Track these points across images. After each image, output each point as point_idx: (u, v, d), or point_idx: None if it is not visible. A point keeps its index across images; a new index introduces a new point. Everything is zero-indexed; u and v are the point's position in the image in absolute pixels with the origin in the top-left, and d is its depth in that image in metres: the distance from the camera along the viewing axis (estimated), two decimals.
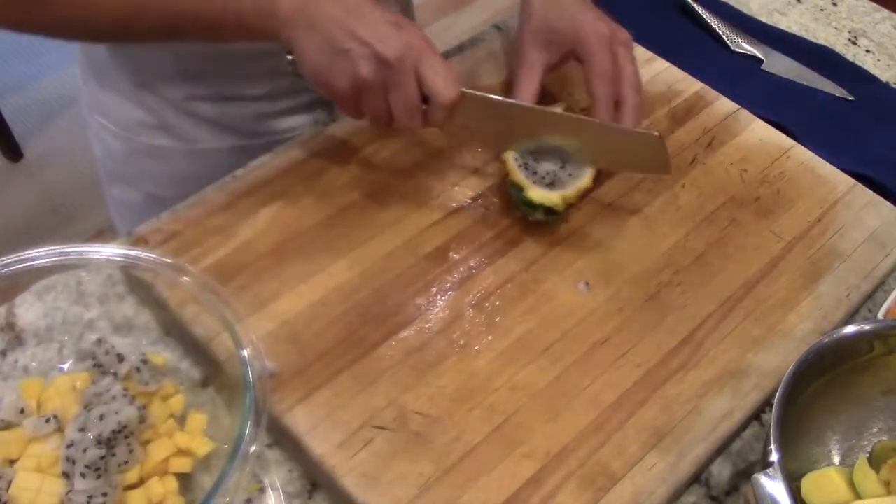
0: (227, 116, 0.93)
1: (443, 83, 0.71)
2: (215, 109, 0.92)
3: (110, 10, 0.73)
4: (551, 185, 0.77)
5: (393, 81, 0.70)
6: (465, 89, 0.73)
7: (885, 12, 1.15)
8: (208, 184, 0.82)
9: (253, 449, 0.59)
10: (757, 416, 0.71)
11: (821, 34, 1.11)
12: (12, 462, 0.62)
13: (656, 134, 0.78)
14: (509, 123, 0.78)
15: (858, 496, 0.62)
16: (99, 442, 0.61)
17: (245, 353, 0.63)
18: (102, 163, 1.03)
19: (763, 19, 1.12)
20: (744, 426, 0.70)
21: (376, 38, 0.69)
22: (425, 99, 0.72)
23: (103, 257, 0.68)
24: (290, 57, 0.73)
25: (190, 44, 0.84)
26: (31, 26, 0.73)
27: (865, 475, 0.64)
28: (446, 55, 0.95)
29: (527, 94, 0.81)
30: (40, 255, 0.67)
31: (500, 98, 0.78)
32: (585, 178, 0.78)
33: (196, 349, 0.71)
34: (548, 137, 0.78)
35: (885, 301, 0.77)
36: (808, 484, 0.62)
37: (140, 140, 0.95)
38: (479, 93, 0.75)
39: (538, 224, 0.78)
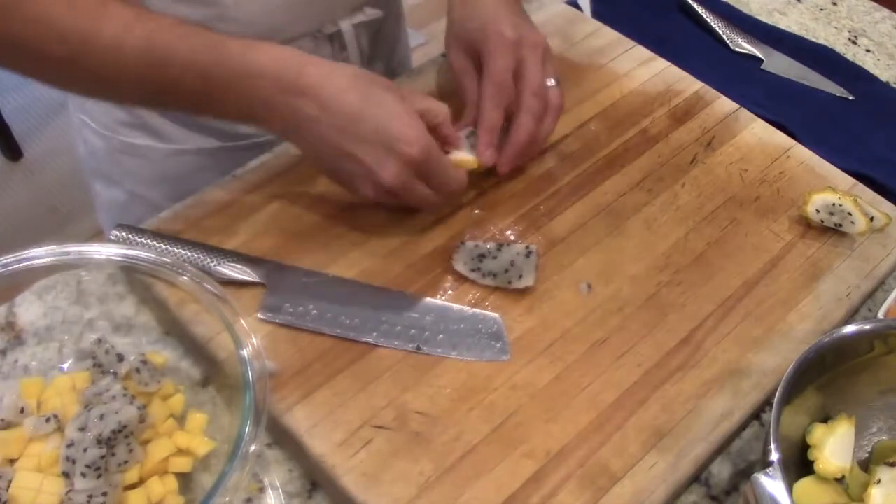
0: (204, 117, 0.91)
1: (449, 191, 0.74)
2: None
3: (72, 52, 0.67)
4: None
5: (399, 196, 0.72)
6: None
7: (885, 12, 1.15)
8: (191, 185, 0.81)
9: (253, 448, 0.59)
10: (757, 415, 0.71)
11: (821, 34, 1.11)
12: (12, 461, 0.62)
13: (496, 316, 0.73)
14: None
15: (851, 500, 0.62)
16: (99, 441, 0.61)
17: (245, 352, 0.63)
18: (86, 161, 1.02)
19: (763, 19, 1.12)
20: (744, 426, 0.70)
21: (374, 162, 0.69)
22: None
23: (103, 257, 0.68)
24: None
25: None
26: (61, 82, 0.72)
27: (858, 478, 0.64)
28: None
29: (474, 97, 0.80)
30: (40, 254, 0.67)
31: None
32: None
33: (196, 349, 0.71)
34: None
35: (885, 300, 0.77)
36: (800, 489, 0.62)
37: (121, 138, 0.94)
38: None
39: (539, 224, 0.79)
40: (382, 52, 1.01)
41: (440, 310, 0.73)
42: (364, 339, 0.70)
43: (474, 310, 0.73)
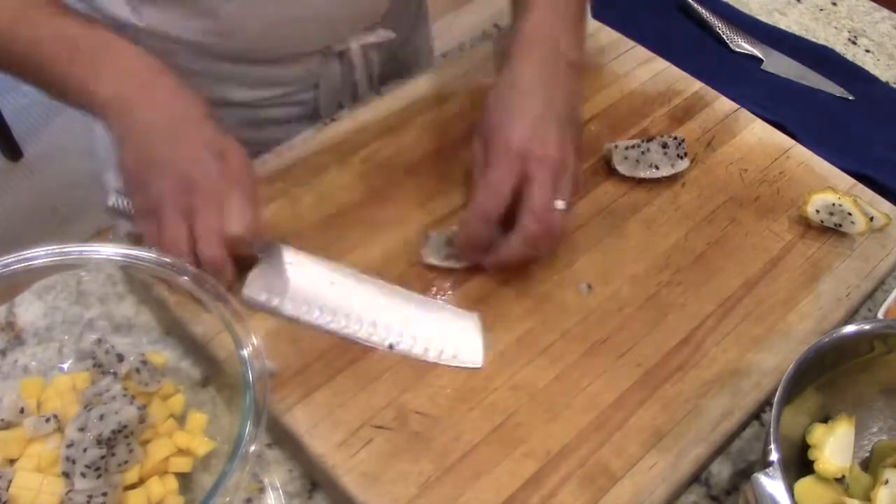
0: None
1: (234, 219, 0.68)
2: None
3: None
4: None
5: (197, 207, 0.68)
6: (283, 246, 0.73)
7: (885, 12, 1.15)
8: None
9: (253, 448, 0.59)
10: (757, 415, 0.71)
11: (820, 34, 1.11)
12: (12, 461, 0.62)
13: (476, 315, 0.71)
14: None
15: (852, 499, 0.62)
16: (99, 442, 0.61)
17: (245, 352, 0.63)
18: (102, 150, 1.02)
19: (763, 19, 1.12)
20: (743, 426, 0.70)
21: (192, 158, 0.68)
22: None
23: (103, 257, 0.68)
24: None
25: (173, 40, 0.83)
26: None
27: (858, 478, 0.64)
28: (446, 55, 0.95)
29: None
30: (40, 254, 0.67)
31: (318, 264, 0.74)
32: None
33: (196, 349, 0.71)
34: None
35: (885, 300, 0.77)
36: (800, 489, 0.62)
37: None
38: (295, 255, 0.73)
39: None
40: (398, 74, 1.00)
41: (419, 304, 0.72)
42: (335, 328, 0.70)
43: (453, 308, 0.72)
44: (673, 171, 0.83)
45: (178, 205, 0.68)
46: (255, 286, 0.71)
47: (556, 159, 0.70)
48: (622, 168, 0.83)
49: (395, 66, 1.01)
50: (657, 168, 0.83)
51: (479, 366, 0.69)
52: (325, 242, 0.76)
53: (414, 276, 0.75)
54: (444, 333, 0.70)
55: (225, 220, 0.68)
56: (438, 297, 0.74)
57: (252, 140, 0.91)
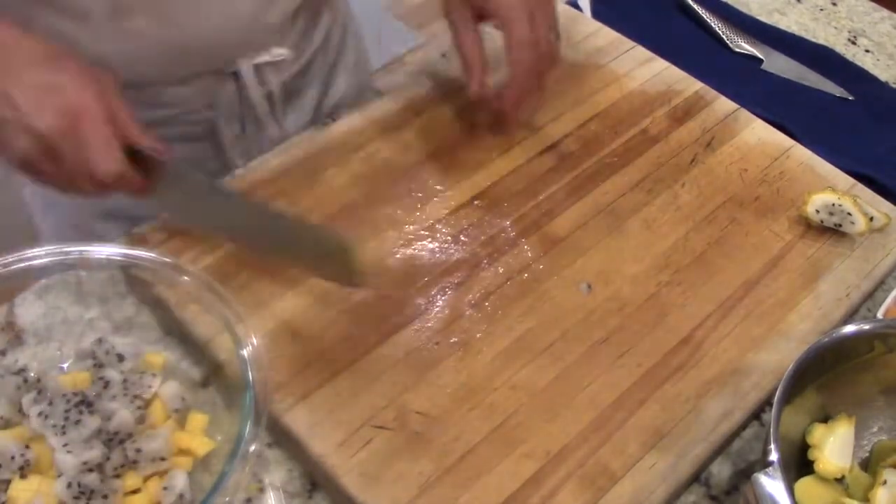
0: None
1: (95, 156, 0.64)
2: None
3: None
4: None
5: (53, 154, 0.64)
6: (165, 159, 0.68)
7: (885, 12, 1.15)
8: None
9: (253, 448, 0.59)
10: (757, 415, 0.71)
11: (820, 34, 1.11)
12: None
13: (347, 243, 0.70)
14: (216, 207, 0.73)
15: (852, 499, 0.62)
16: (98, 442, 0.61)
17: (245, 352, 0.63)
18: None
19: (763, 19, 1.12)
20: (744, 426, 0.70)
21: (31, 105, 0.63)
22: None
23: (103, 257, 0.69)
24: None
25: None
26: None
27: (858, 478, 0.64)
28: (444, 55, 0.95)
29: (474, 52, 0.79)
30: (40, 254, 0.67)
31: (201, 178, 0.71)
32: None
33: (196, 349, 0.71)
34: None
35: (884, 300, 0.77)
36: (800, 489, 0.62)
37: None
38: (180, 168, 0.70)
39: (539, 224, 0.79)
40: (308, 94, 0.97)
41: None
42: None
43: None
44: None
45: (36, 154, 0.64)
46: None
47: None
48: None
49: (304, 85, 0.97)
50: None
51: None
52: None
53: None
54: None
55: (88, 160, 0.64)
56: (438, 296, 0.74)
57: None
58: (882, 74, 1.05)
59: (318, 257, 0.73)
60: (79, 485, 0.60)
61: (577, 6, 1.06)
